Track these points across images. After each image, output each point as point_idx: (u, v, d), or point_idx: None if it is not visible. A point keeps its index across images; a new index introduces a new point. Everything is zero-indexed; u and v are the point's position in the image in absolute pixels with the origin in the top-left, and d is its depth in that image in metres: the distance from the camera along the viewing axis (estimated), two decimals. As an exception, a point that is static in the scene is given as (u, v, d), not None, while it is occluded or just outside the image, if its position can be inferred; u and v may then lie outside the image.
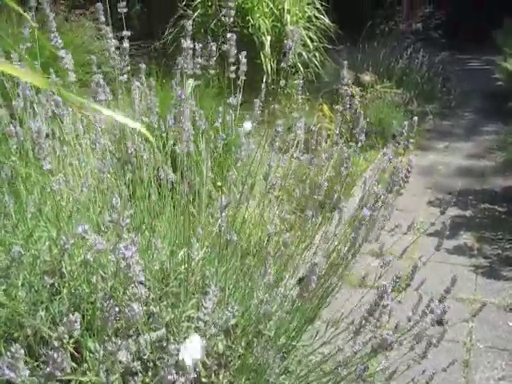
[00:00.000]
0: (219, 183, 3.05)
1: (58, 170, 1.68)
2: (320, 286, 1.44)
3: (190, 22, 1.63)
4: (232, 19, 1.40)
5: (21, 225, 1.75)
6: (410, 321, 1.52)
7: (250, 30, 5.29)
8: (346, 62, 2.04)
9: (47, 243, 1.76)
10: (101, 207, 1.65)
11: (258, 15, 5.35)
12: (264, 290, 1.68)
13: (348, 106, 1.94)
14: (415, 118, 1.68)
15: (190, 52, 1.31)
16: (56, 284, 1.68)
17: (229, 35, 1.53)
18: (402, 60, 6.99)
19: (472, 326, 2.62)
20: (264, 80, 2.16)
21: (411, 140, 1.91)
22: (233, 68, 1.61)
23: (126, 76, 1.44)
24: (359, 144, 1.59)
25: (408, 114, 5.86)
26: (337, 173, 1.80)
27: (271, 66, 5.33)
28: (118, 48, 1.66)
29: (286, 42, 1.64)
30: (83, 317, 1.65)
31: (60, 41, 1.32)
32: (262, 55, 5.20)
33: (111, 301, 0.79)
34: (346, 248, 1.40)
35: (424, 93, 6.94)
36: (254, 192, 1.74)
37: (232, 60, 1.54)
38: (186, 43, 1.30)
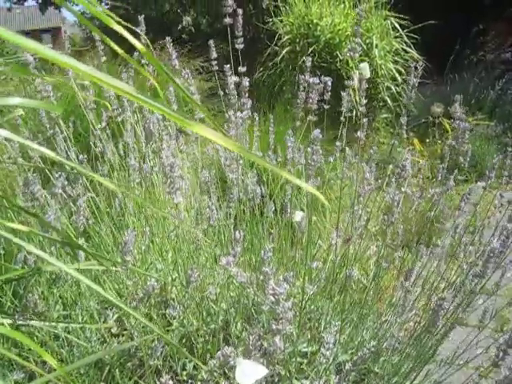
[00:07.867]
0: (315, 218, 3.05)
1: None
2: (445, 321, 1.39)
3: (310, 58, 1.65)
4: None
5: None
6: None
7: (337, 64, 5.32)
8: (458, 97, 1.99)
9: (157, 274, 1.81)
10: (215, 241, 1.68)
11: (345, 50, 5.38)
12: (374, 326, 1.65)
13: (458, 140, 1.90)
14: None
15: (316, 87, 1.33)
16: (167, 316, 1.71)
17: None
18: (494, 91, 6.77)
19: None
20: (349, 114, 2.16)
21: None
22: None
23: (246, 112, 1.47)
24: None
25: (502, 148, 5.65)
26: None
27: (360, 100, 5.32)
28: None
29: (409, 78, 1.65)
30: (194, 349, 1.68)
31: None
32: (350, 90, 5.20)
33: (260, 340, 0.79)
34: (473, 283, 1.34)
35: (517, 125, 6.67)
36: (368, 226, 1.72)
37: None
38: (313, 79, 1.32)
